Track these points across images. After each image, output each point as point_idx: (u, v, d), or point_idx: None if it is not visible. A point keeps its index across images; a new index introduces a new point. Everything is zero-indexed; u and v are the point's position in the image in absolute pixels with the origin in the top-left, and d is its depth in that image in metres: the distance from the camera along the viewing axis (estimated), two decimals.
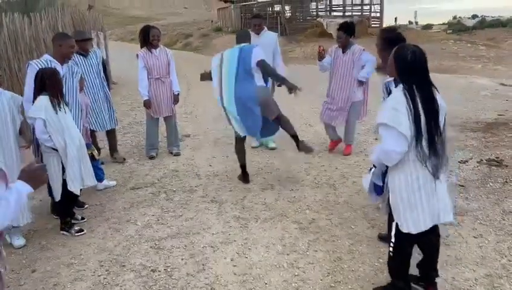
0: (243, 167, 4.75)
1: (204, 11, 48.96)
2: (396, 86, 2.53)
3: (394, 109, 2.33)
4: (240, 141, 4.71)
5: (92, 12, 12.58)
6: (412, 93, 2.32)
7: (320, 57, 5.37)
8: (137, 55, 5.47)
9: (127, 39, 36.10)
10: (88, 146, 4.54)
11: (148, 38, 5.40)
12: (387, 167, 2.50)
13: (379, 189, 2.74)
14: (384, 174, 2.64)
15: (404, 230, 2.47)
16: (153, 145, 5.75)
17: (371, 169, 2.77)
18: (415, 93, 2.32)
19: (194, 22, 36.75)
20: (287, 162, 5.41)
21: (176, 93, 5.65)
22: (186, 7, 54.19)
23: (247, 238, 3.52)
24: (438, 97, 2.40)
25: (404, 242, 2.55)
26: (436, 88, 2.41)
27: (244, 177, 4.74)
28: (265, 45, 5.68)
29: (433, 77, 2.52)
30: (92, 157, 4.52)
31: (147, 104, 5.50)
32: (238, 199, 4.32)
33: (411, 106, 2.29)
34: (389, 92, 2.96)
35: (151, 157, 5.66)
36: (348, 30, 5.27)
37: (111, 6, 51.26)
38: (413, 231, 2.46)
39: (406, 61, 2.37)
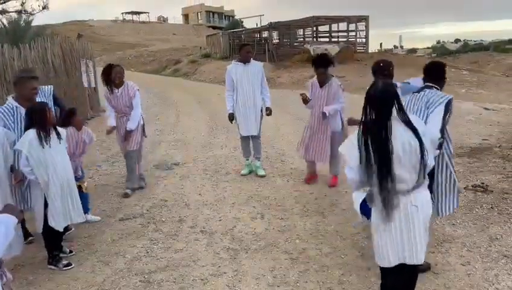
0: None
1: (193, 37, 49.52)
2: None
3: (351, 141, 2.50)
4: None
5: (82, 40, 12.67)
6: (365, 133, 2.39)
7: (305, 102, 5.33)
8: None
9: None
10: (80, 178, 4.54)
11: (110, 77, 5.28)
12: None
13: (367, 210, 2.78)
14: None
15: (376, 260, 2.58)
16: (132, 180, 5.53)
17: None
18: (369, 132, 2.38)
19: (183, 48, 37.10)
20: (277, 190, 5.44)
21: (128, 129, 5.31)
22: (175, 34, 54.79)
23: (237, 270, 3.51)
24: (413, 123, 2.40)
25: (381, 273, 2.66)
26: (407, 121, 2.39)
27: None
28: (253, 73, 5.83)
29: None
30: (80, 188, 4.52)
31: (109, 132, 5.46)
32: (227, 229, 4.31)
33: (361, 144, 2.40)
34: None
35: (136, 189, 5.51)
36: (327, 64, 5.28)
37: (99, 32, 51.57)
38: (380, 264, 2.57)
39: (366, 97, 2.44)
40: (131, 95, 5.28)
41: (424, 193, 2.48)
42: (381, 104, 2.36)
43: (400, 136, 2.34)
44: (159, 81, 22.51)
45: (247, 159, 6.19)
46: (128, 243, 4.08)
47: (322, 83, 5.31)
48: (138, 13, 66.92)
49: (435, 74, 3.30)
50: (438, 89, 3.20)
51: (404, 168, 2.36)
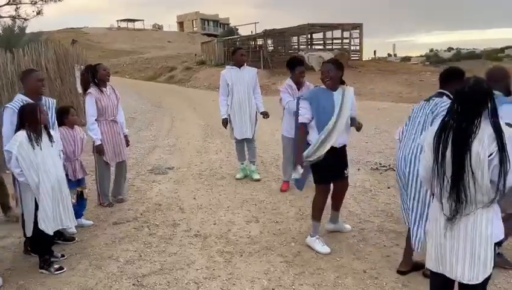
0: None
1: (187, 44, 49.64)
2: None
3: (427, 139, 2.44)
4: None
5: (76, 46, 12.64)
6: (444, 131, 2.33)
7: None
8: (85, 93, 4.89)
9: (111, 72, 36.20)
10: (80, 183, 4.50)
11: (96, 75, 4.87)
12: None
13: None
14: None
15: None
16: (107, 193, 5.20)
17: None
18: (450, 131, 2.31)
19: (177, 55, 37.18)
20: (272, 193, 5.41)
21: (126, 134, 5.21)
22: (170, 41, 54.91)
23: (231, 273, 3.47)
24: None
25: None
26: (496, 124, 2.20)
27: None
28: (247, 78, 5.84)
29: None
30: (81, 194, 4.48)
31: (102, 150, 4.91)
32: (222, 233, 4.27)
33: None
34: None
35: (111, 205, 5.13)
36: (304, 64, 5.27)
37: (94, 40, 51.57)
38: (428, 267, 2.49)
39: (454, 93, 2.37)
40: (117, 94, 5.11)
41: (487, 212, 2.25)
42: (469, 101, 2.20)
43: (479, 143, 2.16)
44: (153, 88, 22.50)
45: (242, 164, 6.17)
46: (121, 247, 4.02)
47: (301, 84, 5.26)
48: (133, 21, 67.08)
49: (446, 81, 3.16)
50: (448, 97, 3.02)
51: (477, 179, 2.19)
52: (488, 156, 2.13)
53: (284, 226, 4.41)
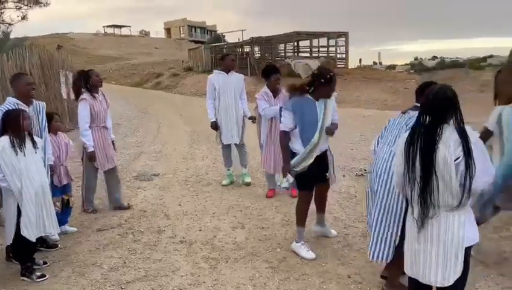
0: None
1: (175, 51, 49.54)
2: None
3: (399, 144, 2.51)
4: None
5: (61, 52, 12.53)
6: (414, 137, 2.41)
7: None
8: (77, 99, 4.84)
9: None
10: (66, 190, 4.45)
11: (89, 81, 4.83)
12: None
13: None
14: None
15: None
16: (92, 199, 5.17)
17: None
18: (418, 137, 2.38)
19: (164, 61, 37.06)
20: (258, 200, 5.42)
21: (113, 140, 5.19)
22: (157, 47, 54.75)
23: (217, 279, 3.46)
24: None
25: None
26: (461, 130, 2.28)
27: None
28: (236, 82, 5.87)
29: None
30: (67, 202, 4.43)
31: (94, 157, 4.86)
32: (208, 239, 4.26)
33: None
34: None
35: (95, 211, 5.08)
36: (279, 71, 5.32)
37: (80, 45, 51.12)
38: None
39: (423, 100, 2.45)
40: (107, 100, 5.09)
41: (459, 215, 2.31)
42: (434, 107, 2.30)
43: (445, 148, 2.24)
44: (140, 94, 22.40)
45: (228, 170, 6.17)
46: (105, 254, 3.98)
47: (276, 91, 5.28)
48: (120, 27, 66.73)
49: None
50: None
51: (442, 182, 2.26)
52: (455, 160, 2.21)
53: (269, 232, 4.42)
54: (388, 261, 3.08)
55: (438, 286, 2.38)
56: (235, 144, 6.05)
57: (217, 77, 5.86)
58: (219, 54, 29.59)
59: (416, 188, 2.33)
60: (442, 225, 2.31)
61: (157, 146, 9.04)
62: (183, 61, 32.97)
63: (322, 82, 3.62)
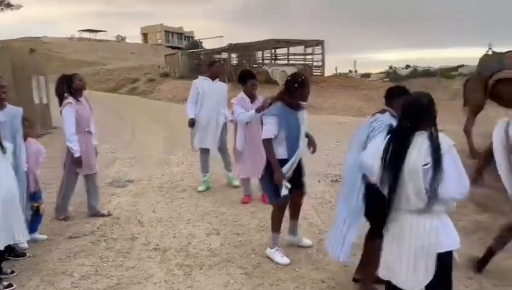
0: None
1: (151, 56, 49.07)
2: None
3: (377, 148, 2.57)
4: None
5: (34, 56, 12.25)
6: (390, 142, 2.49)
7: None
8: (61, 103, 4.76)
9: None
10: (35, 197, 4.32)
11: (72, 86, 4.76)
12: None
13: None
14: None
15: None
16: (67, 206, 5.06)
17: None
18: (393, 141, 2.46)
19: (140, 67, 36.68)
20: (233, 206, 5.40)
21: (95, 145, 5.08)
22: (133, 52, 54.15)
23: (191, 286, 3.43)
24: None
25: None
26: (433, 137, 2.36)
27: None
28: (220, 90, 5.94)
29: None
30: (37, 210, 4.31)
31: (81, 162, 4.77)
32: (182, 246, 4.22)
33: None
34: None
35: (67, 219, 4.95)
36: (255, 77, 5.39)
37: (54, 49, 50.03)
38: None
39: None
40: (90, 104, 5.03)
41: (430, 221, 2.35)
42: (409, 114, 2.37)
43: (416, 153, 2.30)
44: (115, 100, 22.08)
45: (205, 176, 6.15)
46: (76, 262, 3.89)
47: (253, 97, 5.30)
48: (95, 31, 65.73)
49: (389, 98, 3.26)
50: (393, 116, 3.09)
51: (411, 186, 2.32)
52: (424, 165, 2.27)
53: (245, 238, 4.41)
54: (343, 260, 3.14)
55: (408, 289, 2.41)
56: (219, 150, 6.07)
57: (202, 83, 5.92)
58: (196, 60, 29.59)
59: (387, 191, 2.40)
60: (414, 229, 2.36)
61: (132, 152, 8.91)
62: (159, 67, 32.71)
63: (296, 86, 3.68)
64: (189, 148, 6.74)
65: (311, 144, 4.01)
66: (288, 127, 3.70)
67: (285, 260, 3.78)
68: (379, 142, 2.59)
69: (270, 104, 3.80)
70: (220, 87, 5.97)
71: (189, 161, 7.83)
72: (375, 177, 2.57)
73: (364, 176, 2.93)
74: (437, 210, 2.34)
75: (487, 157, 3.41)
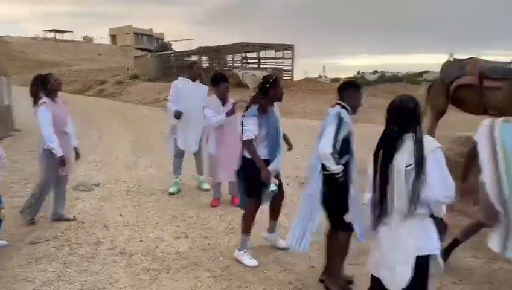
0: None
1: (120, 58, 48.21)
2: None
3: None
4: None
5: None
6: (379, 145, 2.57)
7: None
8: (36, 104, 4.63)
9: None
10: None
11: (47, 86, 4.66)
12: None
13: None
14: None
15: None
16: (39, 210, 4.87)
17: None
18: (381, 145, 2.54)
19: (109, 68, 36.00)
20: (202, 209, 5.37)
21: (77, 146, 5.02)
22: (101, 54, 53.04)
23: None
24: None
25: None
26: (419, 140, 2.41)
27: None
28: (198, 93, 5.87)
29: None
30: None
31: (64, 162, 4.66)
32: (149, 250, 4.16)
33: None
34: None
35: (32, 222, 4.80)
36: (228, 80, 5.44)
37: (17, 50, 48.39)
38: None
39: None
40: (66, 104, 4.93)
41: (412, 224, 2.37)
42: (395, 118, 2.42)
43: (401, 156, 2.35)
44: (82, 101, 21.51)
45: (177, 177, 6.11)
46: (38, 268, 3.77)
47: (225, 99, 5.27)
48: (61, 32, 64.03)
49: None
50: (343, 107, 3.25)
51: (396, 188, 2.37)
52: (406, 167, 2.31)
53: (213, 241, 4.39)
54: (304, 250, 3.33)
55: (390, 289, 2.44)
56: (195, 153, 6.05)
57: (181, 84, 5.90)
58: (166, 62, 29.27)
59: (376, 193, 2.45)
60: (397, 231, 2.40)
61: (99, 155, 8.71)
62: (128, 69, 32.20)
63: (268, 86, 3.74)
64: (158, 152, 6.66)
65: (287, 141, 4.15)
66: (267, 127, 3.76)
67: (253, 262, 3.79)
68: (330, 132, 3.02)
69: (247, 108, 3.83)
70: (200, 90, 5.92)
71: (157, 164, 7.72)
72: (333, 166, 2.97)
73: (323, 166, 3.12)
74: (420, 213, 2.35)
75: (469, 160, 3.48)
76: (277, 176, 3.97)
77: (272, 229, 4.23)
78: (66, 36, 64.08)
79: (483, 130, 3.30)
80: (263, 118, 3.73)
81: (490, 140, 3.22)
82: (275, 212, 4.17)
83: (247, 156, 3.77)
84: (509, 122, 3.25)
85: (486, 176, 3.23)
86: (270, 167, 3.74)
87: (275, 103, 3.88)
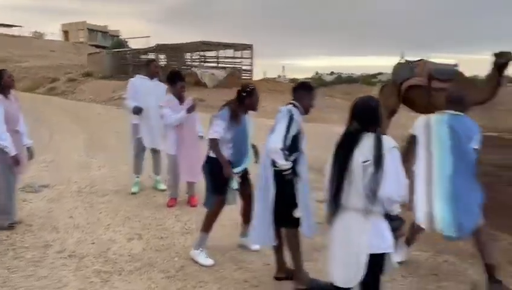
0: None
1: (73, 55, 46.39)
2: None
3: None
4: None
5: None
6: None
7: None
8: None
9: None
10: None
11: (1, 82, 4.49)
12: None
13: None
14: None
15: None
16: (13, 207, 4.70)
17: None
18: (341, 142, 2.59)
19: (61, 65, 34.58)
20: (158, 209, 5.27)
21: (29, 146, 4.86)
22: (53, 50, 50.84)
23: None
24: None
25: None
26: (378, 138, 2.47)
27: None
28: (157, 90, 5.76)
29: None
30: None
31: (19, 161, 4.49)
32: (100, 252, 4.02)
33: None
34: None
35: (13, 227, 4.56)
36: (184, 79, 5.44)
37: None
38: None
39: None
40: (18, 101, 4.74)
41: (366, 221, 2.40)
42: (357, 116, 2.47)
43: (359, 153, 2.39)
44: (31, 99, 20.52)
45: (138, 177, 5.99)
46: None
47: (183, 98, 5.22)
48: (9, 26, 60.86)
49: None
50: (295, 107, 3.35)
51: (355, 185, 2.40)
52: (364, 162, 2.36)
53: (168, 241, 4.32)
54: (271, 244, 3.42)
55: (341, 286, 2.48)
56: (152, 151, 5.94)
57: (139, 81, 5.80)
58: (122, 60, 28.54)
59: (332, 188, 2.48)
60: (351, 228, 2.43)
61: (49, 155, 8.32)
62: (81, 66, 31.13)
63: (244, 95, 3.83)
64: (111, 152, 6.48)
65: (255, 154, 4.15)
66: (234, 133, 3.82)
67: (208, 261, 3.76)
68: (281, 129, 3.14)
69: (222, 107, 3.89)
70: (158, 88, 5.81)
71: (110, 164, 7.51)
72: (282, 161, 3.09)
73: (273, 162, 3.20)
74: (375, 211, 2.39)
75: (407, 150, 3.61)
76: (247, 180, 4.01)
77: (244, 233, 4.19)
78: (15, 31, 60.99)
79: (421, 120, 3.54)
80: (232, 123, 3.79)
81: (426, 128, 3.45)
82: (246, 216, 4.14)
83: (212, 155, 3.82)
84: (442, 115, 3.45)
85: (420, 162, 3.44)
86: (234, 171, 3.79)
87: (249, 112, 3.95)
